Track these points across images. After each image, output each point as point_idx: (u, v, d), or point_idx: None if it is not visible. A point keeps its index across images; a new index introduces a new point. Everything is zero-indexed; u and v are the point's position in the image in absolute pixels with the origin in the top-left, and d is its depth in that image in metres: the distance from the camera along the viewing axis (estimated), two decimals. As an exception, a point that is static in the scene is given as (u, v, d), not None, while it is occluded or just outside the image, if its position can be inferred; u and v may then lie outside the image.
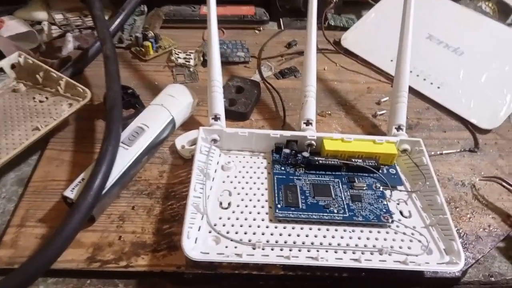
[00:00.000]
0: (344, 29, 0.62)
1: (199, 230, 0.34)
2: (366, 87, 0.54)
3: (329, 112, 0.49)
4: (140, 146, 0.39)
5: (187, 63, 0.53)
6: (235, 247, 0.33)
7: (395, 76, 0.47)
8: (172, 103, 0.43)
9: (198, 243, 0.33)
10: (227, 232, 0.34)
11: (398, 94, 0.45)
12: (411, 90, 0.44)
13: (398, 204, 0.38)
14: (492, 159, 0.45)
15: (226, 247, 0.33)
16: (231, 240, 0.33)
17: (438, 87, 0.52)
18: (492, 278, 0.35)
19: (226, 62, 0.54)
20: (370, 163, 0.40)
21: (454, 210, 0.40)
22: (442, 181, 0.42)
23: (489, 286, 0.35)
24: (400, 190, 0.39)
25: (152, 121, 0.41)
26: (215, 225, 0.34)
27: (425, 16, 0.55)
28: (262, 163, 0.41)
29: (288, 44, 0.59)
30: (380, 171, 0.40)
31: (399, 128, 0.44)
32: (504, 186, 0.42)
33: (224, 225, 0.35)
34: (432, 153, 0.44)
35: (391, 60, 0.55)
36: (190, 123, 0.46)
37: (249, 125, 0.47)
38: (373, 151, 0.41)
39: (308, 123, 0.43)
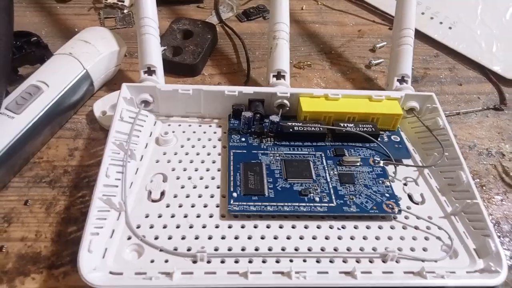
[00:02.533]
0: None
1: (111, 236, 0.22)
2: (356, 30, 0.42)
3: (309, 63, 0.37)
4: (34, 112, 0.27)
5: (119, 2, 0.40)
6: (166, 261, 0.22)
7: (396, 11, 0.35)
8: (86, 52, 0.31)
9: (107, 258, 0.21)
10: (156, 238, 0.23)
11: (401, 34, 0.33)
12: (415, 33, 0.33)
13: (405, 185, 0.27)
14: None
15: (152, 261, 0.22)
16: (161, 251, 0.22)
17: (450, 28, 0.41)
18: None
19: (172, 1, 0.41)
20: (365, 129, 0.28)
21: (481, 190, 0.29)
22: (461, 150, 0.31)
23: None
24: (408, 165, 0.28)
25: (54, 76, 0.29)
26: (138, 228, 0.23)
27: None
28: (215, 133, 0.29)
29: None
30: (379, 139, 0.29)
31: (402, 80, 0.33)
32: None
33: (152, 227, 0.23)
34: (447, 112, 0.33)
35: (389, -5, 0.43)
36: (119, 82, 0.34)
37: (201, 82, 0.35)
38: (370, 111, 0.29)
39: (279, 75, 0.31)
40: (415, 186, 0.27)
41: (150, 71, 0.30)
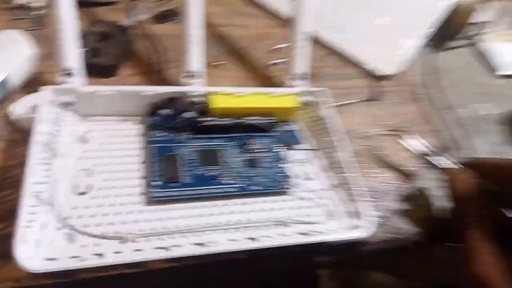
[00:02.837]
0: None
1: (43, 228, 0.25)
2: (262, 32, 0.47)
3: (215, 64, 0.41)
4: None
5: (31, 2, 0.40)
6: (97, 245, 0.25)
7: (294, 15, 0.40)
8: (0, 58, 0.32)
9: (41, 247, 0.24)
10: (85, 226, 0.25)
11: (297, 37, 0.39)
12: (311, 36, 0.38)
13: (301, 165, 0.33)
14: (392, 107, 0.42)
15: (83, 246, 0.25)
16: (91, 236, 0.25)
17: (340, 31, 0.47)
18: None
19: (86, 3, 0.42)
20: (265, 121, 0.34)
21: (360, 167, 0.36)
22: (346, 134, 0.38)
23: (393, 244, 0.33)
24: (300, 149, 0.34)
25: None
26: (67, 219, 0.26)
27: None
28: (135, 129, 0.32)
29: (168, -18, 0.49)
30: (279, 128, 0.34)
31: (302, 77, 0.38)
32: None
33: (80, 217, 0.26)
34: (335, 104, 0.40)
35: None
36: (36, 85, 0.35)
37: (119, 82, 0.37)
38: (269, 106, 0.34)
39: (192, 75, 0.35)
40: (310, 167, 0.33)
41: (68, 73, 0.32)
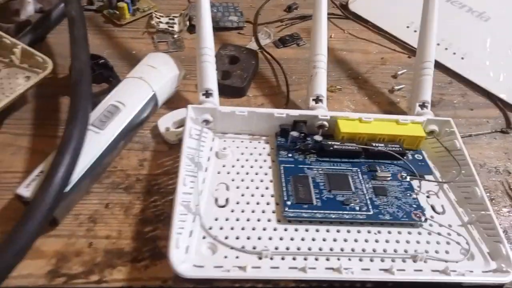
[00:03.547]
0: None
1: (190, 235, 0.27)
2: (379, 58, 0.47)
3: (339, 87, 0.42)
4: (114, 128, 0.32)
5: (170, 28, 0.45)
6: (237, 257, 0.26)
7: (418, 43, 0.40)
8: (153, 76, 0.36)
9: (189, 253, 0.26)
10: (226, 238, 0.27)
11: (423, 65, 0.38)
12: (431, 62, 0.38)
13: (428, 197, 0.32)
14: (526, 140, 0.39)
15: (226, 257, 0.26)
16: (231, 248, 0.27)
17: (462, 58, 0.46)
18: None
19: (216, 28, 0.46)
20: (393, 148, 0.33)
21: (490, 202, 0.34)
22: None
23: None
24: (430, 180, 0.33)
25: (129, 97, 0.34)
26: (210, 229, 0.28)
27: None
28: (264, 148, 0.34)
29: (288, 8, 0.51)
30: (405, 157, 0.34)
31: (423, 105, 0.38)
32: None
33: (221, 228, 0.28)
34: (460, 134, 0.38)
35: (407, 27, 0.48)
36: (176, 101, 0.39)
37: (246, 102, 0.40)
38: (397, 133, 0.34)
39: (318, 99, 0.36)
40: (437, 199, 0.32)
41: (207, 94, 0.35)
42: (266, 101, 0.40)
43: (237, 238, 0.27)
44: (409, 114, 0.38)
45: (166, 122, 0.36)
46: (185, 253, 0.26)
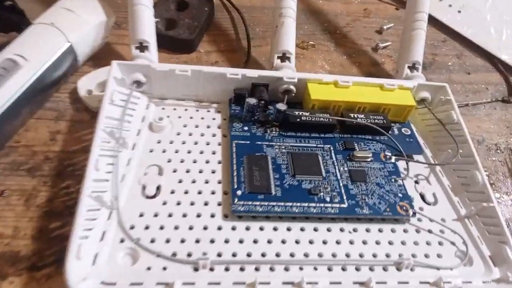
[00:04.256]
0: None
1: (102, 239, 0.20)
2: (362, 9, 0.39)
3: (313, 43, 0.35)
4: (11, 90, 0.24)
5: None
6: (164, 269, 0.19)
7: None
8: (70, 22, 0.27)
9: (98, 264, 0.19)
10: (152, 241, 0.20)
11: (414, 17, 0.31)
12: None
13: (416, 183, 0.26)
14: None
15: (149, 268, 0.19)
16: (158, 256, 0.20)
17: (459, 11, 0.38)
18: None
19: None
20: (376, 120, 0.27)
21: (494, 189, 0.28)
22: (470, 144, 0.30)
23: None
24: (419, 162, 0.27)
25: (34, 49, 0.25)
26: (132, 229, 0.21)
27: None
28: (214, 119, 0.27)
29: None
30: (390, 132, 0.27)
31: (413, 67, 0.31)
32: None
33: (147, 228, 0.21)
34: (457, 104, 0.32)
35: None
36: (105, 57, 0.30)
37: (196, 59, 0.32)
38: (381, 101, 0.27)
39: (284, 57, 0.29)
40: (427, 185, 0.26)
41: (142, 47, 0.27)
42: (222, 58, 0.32)
43: (168, 241, 0.20)
44: (396, 78, 0.31)
45: (88, 83, 0.28)
46: (92, 265, 0.19)
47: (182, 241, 0.20)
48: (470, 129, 0.31)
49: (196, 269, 0.20)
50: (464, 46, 0.37)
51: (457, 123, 0.27)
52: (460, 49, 0.37)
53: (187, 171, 0.23)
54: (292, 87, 0.27)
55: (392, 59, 0.35)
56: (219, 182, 0.23)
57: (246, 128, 0.26)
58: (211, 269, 0.20)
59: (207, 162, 0.24)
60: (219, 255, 0.20)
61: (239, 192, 0.22)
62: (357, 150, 0.26)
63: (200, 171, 0.24)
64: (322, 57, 0.34)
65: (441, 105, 0.29)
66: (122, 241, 0.20)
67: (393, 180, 0.24)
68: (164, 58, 0.29)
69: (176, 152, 0.24)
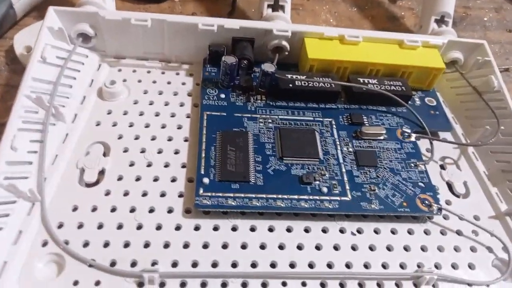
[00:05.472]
0: None
1: (15, 242, 0.15)
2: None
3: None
4: None
5: None
6: (97, 284, 0.14)
7: None
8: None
9: (7, 278, 0.14)
10: (85, 245, 0.15)
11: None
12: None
13: (443, 168, 0.20)
14: None
15: (76, 283, 0.14)
16: (90, 266, 0.15)
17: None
18: None
19: None
20: (392, 87, 0.21)
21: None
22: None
23: None
24: (446, 141, 0.21)
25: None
26: (60, 228, 0.15)
27: None
28: (184, 84, 0.21)
29: None
30: (409, 102, 0.21)
31: (442, 20, 0.24)
32: None
33: (80, 227, 0.16)
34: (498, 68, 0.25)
35: None
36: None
37: (169, 11, 0.26)
38: (400, 62, 0.21)
39: (276, 5, 0.23)
40: (457, 171, 0.20)
41: (93, -9, 0.21)
42: (200, 9, 0.26)
43: (106, 245, 0.15)
44: (419, 34, 0.25)
45: (27, 38, 0.22)
46: (2, 279, 0.14)
47: (126, 245, 0.15)
48: (511, 100, 0.25)
49: (140, 285, 0.14)
50: (504, -3, 0.30)
51: (498, 92, 0.21)
52: (499, 1, 0.30)
53: (142, 151, 0.18)
54: (284, 43, 0.21)
55: (414, 13, 0.28)
56: (183, 167, 0.18)
57: (222, 95, 0.20)
58: (162, 285, 0.14)
59: (170, 139, 0.19)
60: (174, 265, 0.15)
61: (205, 180, 0.17)
62: (366, 125, 0.20)
63: (159, 152, 0.18)
64: (326, 8, 0.28)
65: (477, 69, 0.23)
66: (44, 244, 0.15)
67: (412, 165, 0.19)
68: (128, 9, 0.24)
69: (130, 126, 0.19)
